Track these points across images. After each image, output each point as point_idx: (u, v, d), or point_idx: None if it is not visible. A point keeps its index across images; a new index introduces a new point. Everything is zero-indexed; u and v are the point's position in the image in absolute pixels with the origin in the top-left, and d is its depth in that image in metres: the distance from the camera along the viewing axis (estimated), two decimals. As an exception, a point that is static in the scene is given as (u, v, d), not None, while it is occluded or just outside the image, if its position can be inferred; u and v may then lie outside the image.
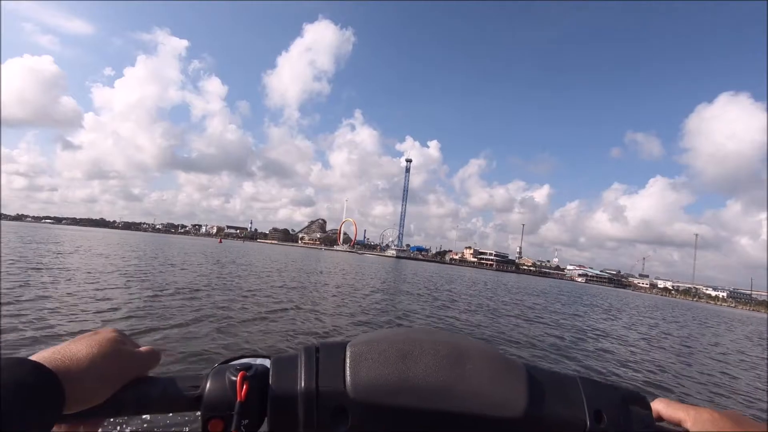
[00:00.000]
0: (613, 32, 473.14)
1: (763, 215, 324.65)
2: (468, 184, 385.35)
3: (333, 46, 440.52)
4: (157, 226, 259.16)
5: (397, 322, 7.90)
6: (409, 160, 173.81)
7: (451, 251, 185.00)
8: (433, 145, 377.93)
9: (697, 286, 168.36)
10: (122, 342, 0.38)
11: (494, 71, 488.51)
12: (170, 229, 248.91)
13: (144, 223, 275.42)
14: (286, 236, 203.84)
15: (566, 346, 7.47)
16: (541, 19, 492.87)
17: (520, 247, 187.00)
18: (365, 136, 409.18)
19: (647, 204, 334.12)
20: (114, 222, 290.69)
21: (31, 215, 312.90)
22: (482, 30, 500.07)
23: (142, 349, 0.40)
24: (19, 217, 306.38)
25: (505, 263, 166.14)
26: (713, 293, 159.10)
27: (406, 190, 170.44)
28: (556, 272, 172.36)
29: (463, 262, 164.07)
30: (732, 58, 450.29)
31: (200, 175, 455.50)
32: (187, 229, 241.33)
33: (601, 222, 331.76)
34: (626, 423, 0.37)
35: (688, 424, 0.37)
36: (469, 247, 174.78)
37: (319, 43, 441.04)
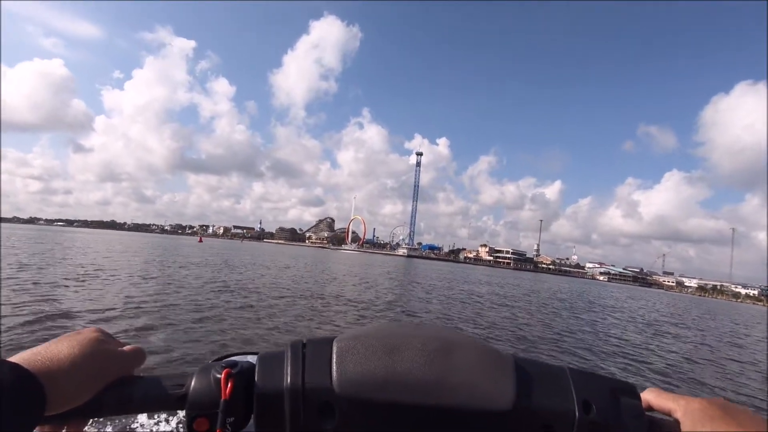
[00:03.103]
0: (623, 23, 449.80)
1: None
2: (478, 182, 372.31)
3: (340, 43, 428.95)
4: (166, 228, 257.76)
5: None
6: (419, 154, 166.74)
7: (464, 249, 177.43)
8: (442, 142, 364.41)
9: (725, 284, 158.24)
10: (105, 341, 0.37)
11: (503, 67, 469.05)
12: (177, 230, 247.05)
13: (153, 225, 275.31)
14: (293, 236, 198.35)
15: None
16: (550, 14, 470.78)
17: (538, 245, 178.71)
18: (373, 134, 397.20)
19: (662, 199, 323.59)
20: (124, 224, 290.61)
21: (44, 218, 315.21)
22: (491, 26, 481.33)
23: (126, 348, 0.39)
24: (31, 220, 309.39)
25: (522, 261, 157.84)
26: (743, 291, 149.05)
27: (417, 185, 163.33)
28: (576, 270, 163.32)
29: (478, 260, 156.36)
30: (751, 46, 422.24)
31: (210, 176, 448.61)
32: (195, 229, 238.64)
33: (614, 218, 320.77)
34: (615, 413, 0.37)
35: (678, 414, 0.37)
36: (485, 245, 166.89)
37: (325, 40, 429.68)
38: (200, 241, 66.93)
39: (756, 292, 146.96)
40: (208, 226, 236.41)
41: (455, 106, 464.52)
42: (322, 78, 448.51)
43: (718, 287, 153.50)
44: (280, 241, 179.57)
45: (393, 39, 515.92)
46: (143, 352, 0.40)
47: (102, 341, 0.37)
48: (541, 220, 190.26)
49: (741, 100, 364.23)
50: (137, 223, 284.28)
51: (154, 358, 4.05)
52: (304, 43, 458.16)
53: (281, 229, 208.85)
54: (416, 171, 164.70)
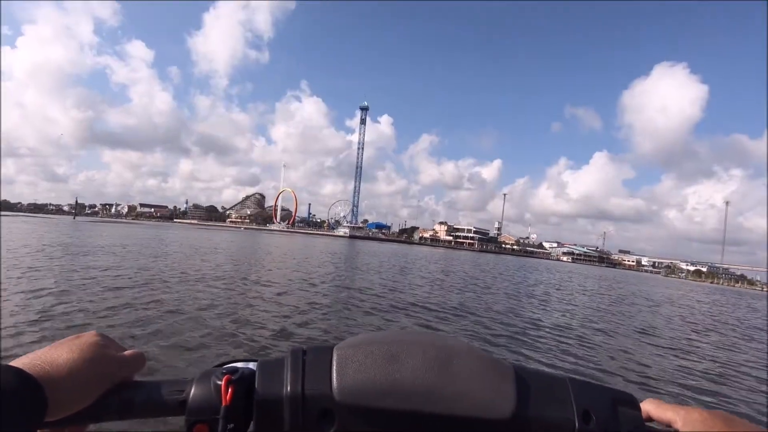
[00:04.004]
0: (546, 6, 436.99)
1: (691, 189, 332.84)
2: (417, 161, 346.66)
3: (271, 5, 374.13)
4: (64, 208, 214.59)
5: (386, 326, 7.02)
6: (365, 108, 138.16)
7: (419, 228, 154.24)
8: (385, 120, 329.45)
9: (674, 262, 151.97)
10: (105, 345, 0.37)
11: (444, 39, 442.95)
12: (72, 209, 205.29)
13: (50, 205, 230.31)
14: (210, 215, 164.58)
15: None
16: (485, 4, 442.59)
17: (500, 223, 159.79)
18: (312, 109, 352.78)
19: (591, 179, 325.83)
20: (18, 204, 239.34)
21: None
22: (436, 7, 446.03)
23: (127, 352, 0.39)
24: None
25: (486, 242, 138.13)
26: (691, 268, 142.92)
27: (361, 147, 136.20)
28: (540, 251, 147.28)
29: (436, 241, 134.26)
30: (674, 26, 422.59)
31: (129, 152, 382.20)
32: (96, 209, 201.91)
33: (546, 198, 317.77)
34: (615, 423, 0.36)
35: (678, 425, 0.36)
36: (443, 223, 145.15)
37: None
38: None
39: (705, 269, 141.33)
40: (111, 205, 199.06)
41: (396, 81, 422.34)
42: (251, 45, 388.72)
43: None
44: (192, 221, 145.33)
45: (332, 7, 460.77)
46: (144, 357, 0.40)
47: (102, 345, 0.36)
48: (505, 194, 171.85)
49: (658, 84, 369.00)
50: (33, 204, 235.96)
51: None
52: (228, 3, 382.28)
53: (196, 207, 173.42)
54: (360, 129, 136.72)
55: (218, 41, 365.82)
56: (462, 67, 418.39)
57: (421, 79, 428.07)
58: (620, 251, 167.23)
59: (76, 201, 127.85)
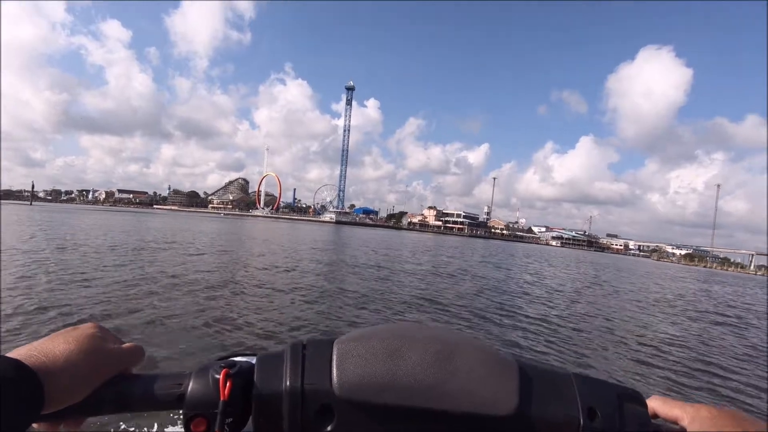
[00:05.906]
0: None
1: (674, 173, 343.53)
2: (404, 145, 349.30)
3: None
4: (39, 194, 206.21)
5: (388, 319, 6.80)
6: (350, 89, 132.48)
7: (407, 213, 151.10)
8: (371, 104, 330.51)
9: (659, 245, 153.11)
10: (103, 338, 0.36)
11: (430, 19, 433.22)
12: (48, 196, 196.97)
13: (25, 191, 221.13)
14: (191, 201, 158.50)
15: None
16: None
17: (490, 207, 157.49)
18: (297, 92, 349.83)
19: (576, 163, 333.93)
20: None
21: None
22: None
23: (125, 345, 0.38)
24: None
25: (476, 226, 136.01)
26: (676, 251, 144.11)
27: (347, 130, 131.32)
28: (529, 236, 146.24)
29: (425, 226, 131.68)
30: (660, 9, 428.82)
31: (107, 136, 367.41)
32: (72, 195, 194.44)
33: (532, 182, 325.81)
34: (621, 421, 0.36)
35: (685, 422, 0.36)
36: (432, 208, 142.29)
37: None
38: None
39: (691, 251, 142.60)
40: (88, 191, 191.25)
41: (383, 63, 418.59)
42: (232, 25, 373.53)
43: (657, 249, 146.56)
44: (173, 207, 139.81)
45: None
46: (142, 350, 0.40)
47: (100, 338, 0.36)
48: (495, 178, 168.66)
49: (643, 68, 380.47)
50: (10, 190, 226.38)
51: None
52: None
53: (176, 192, 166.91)
54: (346, 110, 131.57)
55: (197, 21, 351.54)
56: (449, 45, 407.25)
57: (409, 58, 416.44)
58: (608, 235, 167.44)
59: (33, 185, 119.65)
